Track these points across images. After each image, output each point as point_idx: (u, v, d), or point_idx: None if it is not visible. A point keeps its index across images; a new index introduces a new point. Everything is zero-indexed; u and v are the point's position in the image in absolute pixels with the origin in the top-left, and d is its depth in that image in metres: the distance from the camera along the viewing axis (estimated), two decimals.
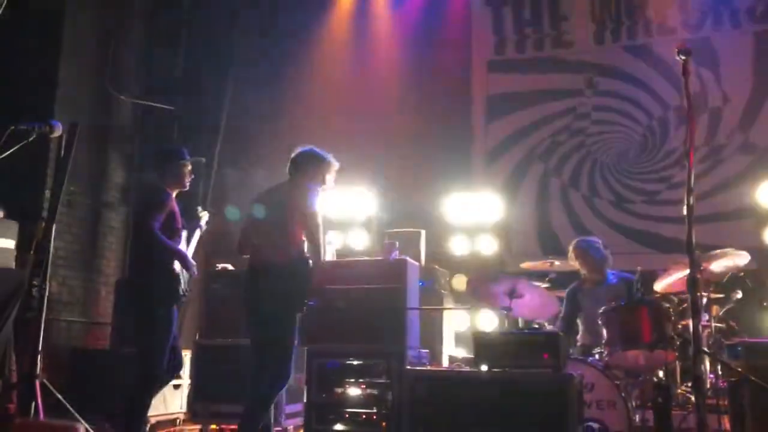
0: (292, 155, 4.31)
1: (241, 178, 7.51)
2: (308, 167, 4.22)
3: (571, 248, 5.15)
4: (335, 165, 4.31)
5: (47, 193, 6.01)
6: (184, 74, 7.65)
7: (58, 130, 3.71)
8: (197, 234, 4.50)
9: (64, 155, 4.30)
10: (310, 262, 4.01)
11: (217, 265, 5.77)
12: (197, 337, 5.68)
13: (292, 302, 3.95)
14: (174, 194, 4.25)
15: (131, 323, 5.58)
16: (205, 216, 4.60)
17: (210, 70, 7.55)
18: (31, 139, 3.25)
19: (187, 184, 4.33)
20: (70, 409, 3.69)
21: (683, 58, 3.10)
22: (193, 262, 4.17)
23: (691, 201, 2.76)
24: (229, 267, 5.73)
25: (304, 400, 4.89)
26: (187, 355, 5.90)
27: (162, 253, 4.03)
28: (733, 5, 7.05)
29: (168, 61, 7.60)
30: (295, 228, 4.00)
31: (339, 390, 4.81)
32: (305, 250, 4.04)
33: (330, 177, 4.30)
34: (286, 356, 3.92)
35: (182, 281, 4.11)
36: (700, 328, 4.48)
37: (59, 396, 3.83)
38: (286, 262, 3.95)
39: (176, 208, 4.22)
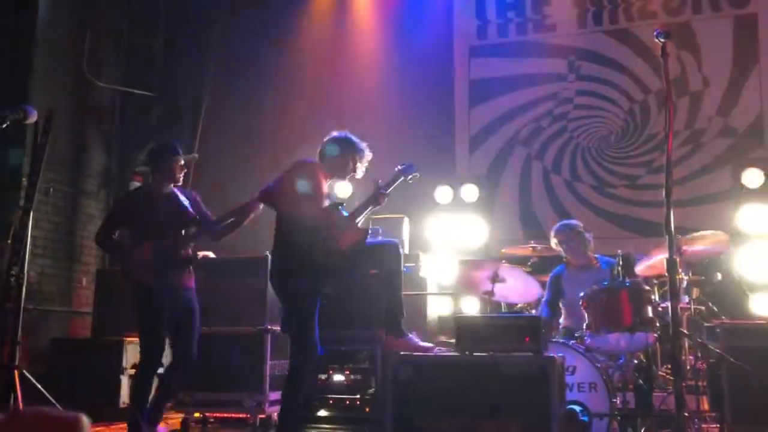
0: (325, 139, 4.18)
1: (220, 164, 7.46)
2: (333, 152, 4.10)
3: (552, 233, 5.16)
4: (367, 154, 4.18)
5: (24, 181, 5.93)
6: (163, 59, 7.56)
7: (33, 117, 3.66)
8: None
9: (40, 142, 4.26)
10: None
11: (198, 253, 5.72)
12: None
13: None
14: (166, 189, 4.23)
15: (113, 313, 5.58)
16: None
17: (190, 55, 7.46)
18: (4, 126, 3.19)
19: (180, 178, 4.32)
20: (50, 398, 3.65)
21: (662, 40, 3.10)
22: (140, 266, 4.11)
23: (670, 185, 2.77)
24: (210, 255, 5.69)
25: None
26: (168, 344, 5.88)
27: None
28: None
29: (147, 46, 7.49)
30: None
31: (323, 376, 4.81)
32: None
33: (360, 166, 4.17)
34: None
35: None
36: (680, 310, 4.56)
37: (38, 386, 3.80)
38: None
39: (162, 205, 4.20)
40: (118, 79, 7.35)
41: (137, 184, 6.53)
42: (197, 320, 4.35)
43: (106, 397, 5.49)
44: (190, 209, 4.36)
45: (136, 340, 5.54)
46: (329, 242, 3.74)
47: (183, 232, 4.33)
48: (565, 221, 5.26)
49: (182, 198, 4.38)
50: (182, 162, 4.32)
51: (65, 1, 6.85)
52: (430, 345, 3.84)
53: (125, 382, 5.43)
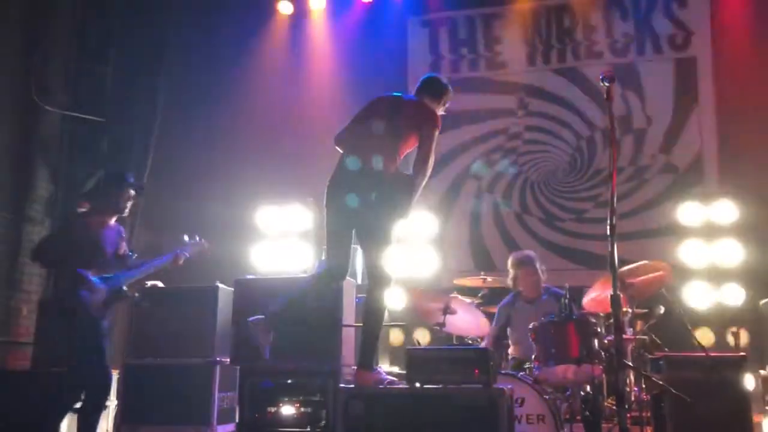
0: (424, 78, 4.32)
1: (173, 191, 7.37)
2: (435, 92, 4.23)
3: (512, 261, 5.25)
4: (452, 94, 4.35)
5: None
6: (114, 85, 7.46)
7: None
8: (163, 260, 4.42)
9: None
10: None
11: (146, 282, 5.61)
12: (125, 357, 5.50)
13: (396, 214, 3.86)
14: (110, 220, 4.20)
15: (55, 344, 5.41)
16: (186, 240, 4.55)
17: (141, 81, 7.39)
18: None
19: (126, 210, 4.27)
20: None
21: (607, 84, 3.23)
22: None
23: (614, 221, 2.87)
24: (158, 284, 5.58)
25: (236, 420, 4.79)
26: (114, 376, 5.72)
27: None
28: (655, 33, 7.40)
29: (97, 72, 7.39)
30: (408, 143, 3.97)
31: (272, 409, 4.73)
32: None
33: (446, 105, 4.35)
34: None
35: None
36: (625, 342, 4.67)
37: None
38: (393, 173, 3.88)
39: (102, 236, 4.16)
40: (66, 105, 7.21)
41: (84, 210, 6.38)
42: None
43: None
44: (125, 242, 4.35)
45: None
46: None
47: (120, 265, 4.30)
48: (525, 252, 5.35)
49: (121, 229, 4.37)
50: (131, 194, 4.27)
51: (11, 26, 6.72)
52: (395, 379, 3.86)
53: (68, 416, 5.24)
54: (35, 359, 5.82)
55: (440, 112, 4.30)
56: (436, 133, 4.05)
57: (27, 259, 6.81)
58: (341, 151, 4.07)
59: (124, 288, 4.29)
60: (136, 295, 4.45)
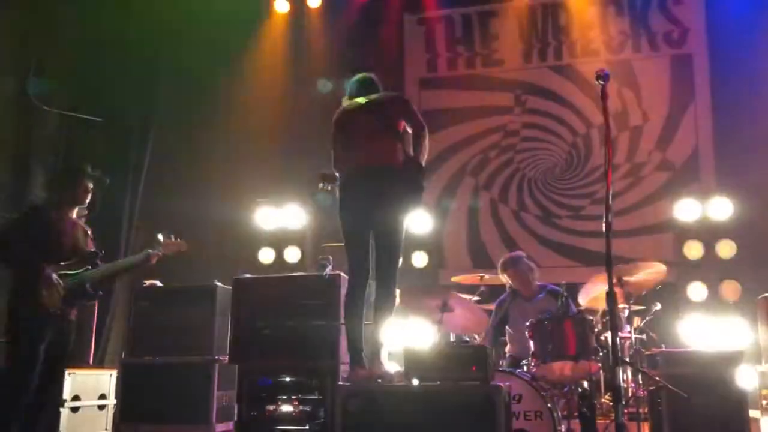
0: (360, 77, 4.31)
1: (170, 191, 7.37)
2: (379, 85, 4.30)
3: (499, 265, 5.27)
4: None
5: None
6: (111, 85, 7.44)
7: None
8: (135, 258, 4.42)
9: None
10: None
11: (144, 281, 5.62)
12: (123, 356, 5.52)
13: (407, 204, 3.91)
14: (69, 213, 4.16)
15: None
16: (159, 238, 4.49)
17: (138, 81, 7.37)
18: None
19: (83, 202, 4.22)
20: None
21: (602, 83, 3.25)
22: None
23: (610, 218, 2.89)
24: (157, 283, 5.60)
25: (235, 419, 4.81)
26: (112, 375, 5.74)
27: None
28: (651, 30, 7.42)
29: (95, 72, 7.38)
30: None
31: (271, 407, 4.75)
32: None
33: None
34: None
35: None
36: (622, 339, 4.70)
37: None
38: (400, 164, 3.93)
39: (62, 230, 4.11)
40: (63, 104, 7.20)
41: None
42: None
43: (46, 430, 5.30)
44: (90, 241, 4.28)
45: (78, 370, 5.41)
46: None
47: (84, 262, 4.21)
48: (511, 254, 5.37)
49: (85, 227, 4.30)
50: (90, 186, 4.20)
51: (11, 25, 6.72)
52: (391, 372, 3.85)
53: (65, 415, 5.25)
54: None
55: None
56: (413, 106, 4.20)
57: None
58: (342, 173, 4.05)
59: (87, 286, 4.20)
60: (100, 293, 4.35)
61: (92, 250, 4.27)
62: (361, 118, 4.08)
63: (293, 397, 4.68)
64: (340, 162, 4.08)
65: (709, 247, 6.28)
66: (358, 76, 4.35)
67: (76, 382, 5.34)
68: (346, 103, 4.27)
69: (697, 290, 6.25)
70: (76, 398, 5.34)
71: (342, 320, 4.20)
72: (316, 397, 4.61)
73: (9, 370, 3.96)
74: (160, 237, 4.49)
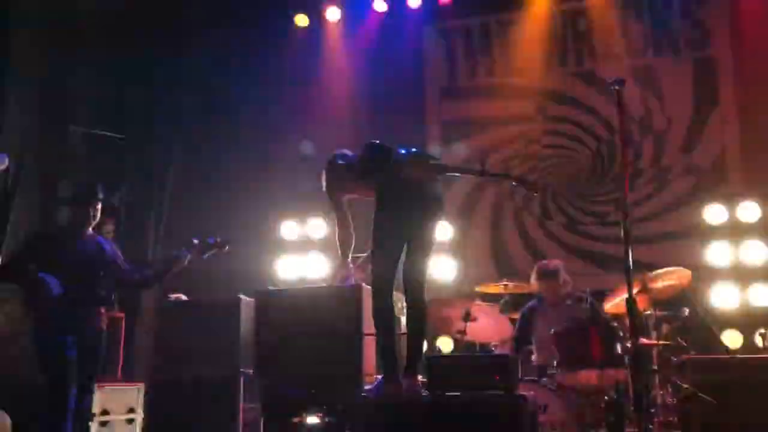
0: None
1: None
2: None
3: (535, 271, 5.23)
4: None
5: None
6: (135, 104, 7.56)
7: (4, 164, 3.65)
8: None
9: (10, 191, 4.24)
10: None
11: (170, 295, 5.68)
12: (150, 370, 5.57)
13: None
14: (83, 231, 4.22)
15: None
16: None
17: (161, 97, 7.47)
18: None
19: (92, 222, 4.25)
20: None
21: (617, 88, 3.22)
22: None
23: (628, 225, 2.86)
24: (182, 297, 5.65)
25: (261, 431, 4.83)
26: (140, 389, 5.79)
27: None
28: (673, 33, 7.33)
29: (120, 90, 7.51)
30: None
31: (296, 420, 4.75)
32: None
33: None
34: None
35: None
36: (649, 346, 4.63)
37: None
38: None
39: (75, 247, 4.16)
40: (88, 122, 7.33)
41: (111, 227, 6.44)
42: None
43: None
44: (108, 254, 4.28)
45: (106, 385, 5.48)
46: None
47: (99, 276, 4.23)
48: (549, 264, 5.29)
49: (103, 242, 4.31)
50: (98, 207, 4.23)
51: (39, 44, 6.86)
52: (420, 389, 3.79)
53: (94, 429, 5.31)
54: None
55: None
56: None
57: None
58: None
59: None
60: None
61: (108, 261, 4.28)
62: None
63: (318, 409, 4.69)
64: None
65: (738, 251, 6.17)
66: None
67: (105, 396, 5.41)
68: None
69: (725, 295, 6.14)
70: (104, 412, 5.40)
71: (368, 332, 4.20)
72: (340, 408, 4.61)
73: None
74: (195, 241, 4.46)
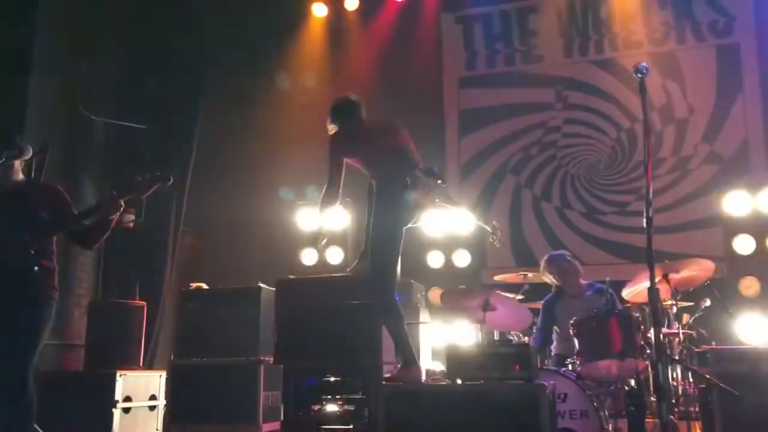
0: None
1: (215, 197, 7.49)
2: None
3: (542, 264, 5.22)
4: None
5: None
6: (156, 93, 7.60)
7: (28, 153, 3.70)
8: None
9: (34, 178, 4.29)
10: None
11: (191, 284, 5.75)
12: (172, 358, 5.65)
13: None
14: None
15: (105, 345, 5.51)
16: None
17: (182, 88, 7.51)
18: None
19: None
20: None
21: (640, 76, 3.19)
22: None
23: (650, 213, 2.84)
24: (203, 286, 5.71)
25: (281, 418, 4.87)
26: (162, 376, 5.87)
27: None
28: (695, 20, 7.24)
29: (141, 81, 7.56)
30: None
31: (316, 407, 4.79)
32: None
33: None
34: None
35: None
36: (670, 336, 4.60)
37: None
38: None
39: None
40: (110, 113, 7.39)
41: (131, 217, 6.48)
42: None
43: (100, 431, 5.46)
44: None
45: (129, 372, 5.56)
46: None
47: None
48: (554, 253, 5.32)
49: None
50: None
51: (60, 36, 6.92)
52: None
53: (117, 416, 5.40)
54: (87, 360, 6.00)
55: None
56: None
57: (77, 264, 7.02)
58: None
59: None
60: None
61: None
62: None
63: (338, 396, 4.72)
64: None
65: (761, 241, 6.10)
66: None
67: (128, 383, 5.49)
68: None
69: (748, 285, 6.07)
70: (127, 399, 5.49)
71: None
72: (360, 396, 4.64)
73: None
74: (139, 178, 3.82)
